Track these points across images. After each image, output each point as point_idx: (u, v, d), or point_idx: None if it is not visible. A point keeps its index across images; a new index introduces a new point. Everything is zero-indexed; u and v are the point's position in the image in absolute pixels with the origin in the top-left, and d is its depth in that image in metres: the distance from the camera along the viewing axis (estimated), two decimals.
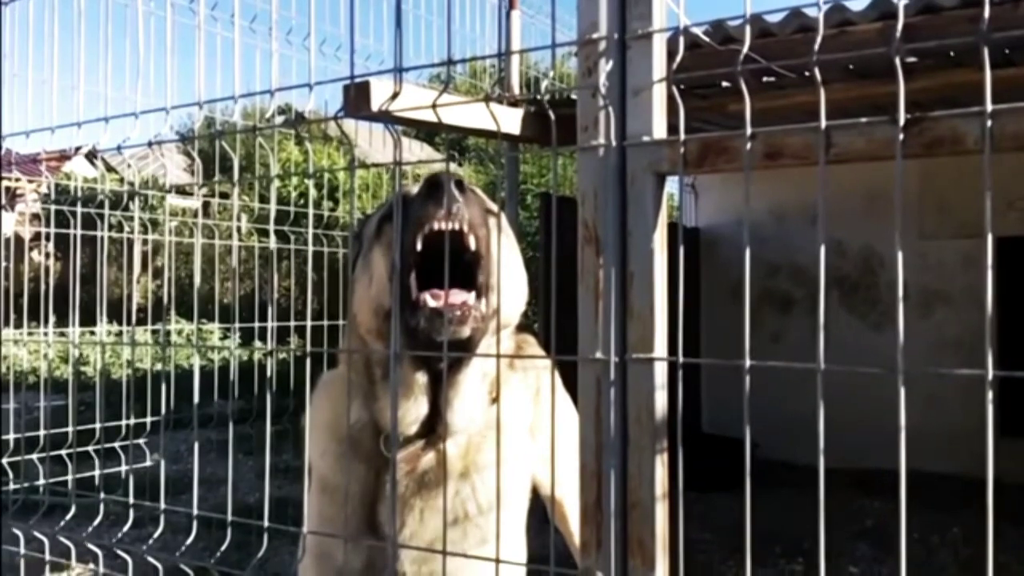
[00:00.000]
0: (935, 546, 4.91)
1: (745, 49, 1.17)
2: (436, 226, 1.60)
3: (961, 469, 5.85)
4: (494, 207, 1.80)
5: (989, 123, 1.01)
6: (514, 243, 1.89)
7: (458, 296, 1.63)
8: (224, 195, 8.93)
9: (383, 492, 1.75)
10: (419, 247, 1.62)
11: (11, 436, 3.53)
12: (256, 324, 4.86)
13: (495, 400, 1.81)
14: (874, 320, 6.96)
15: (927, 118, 1.06)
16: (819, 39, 1.10)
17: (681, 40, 1.24)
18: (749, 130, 1.15)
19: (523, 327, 2.10)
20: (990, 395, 1.01)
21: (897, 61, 1.04)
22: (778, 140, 1.16)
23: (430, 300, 1.61)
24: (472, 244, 1.64)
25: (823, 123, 1.10)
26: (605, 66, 1.29)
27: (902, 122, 1.06)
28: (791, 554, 4.77)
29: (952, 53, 3.58)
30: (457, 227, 1.61)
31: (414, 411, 1.72)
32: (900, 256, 1.04)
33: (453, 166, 1.78)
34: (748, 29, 1.20)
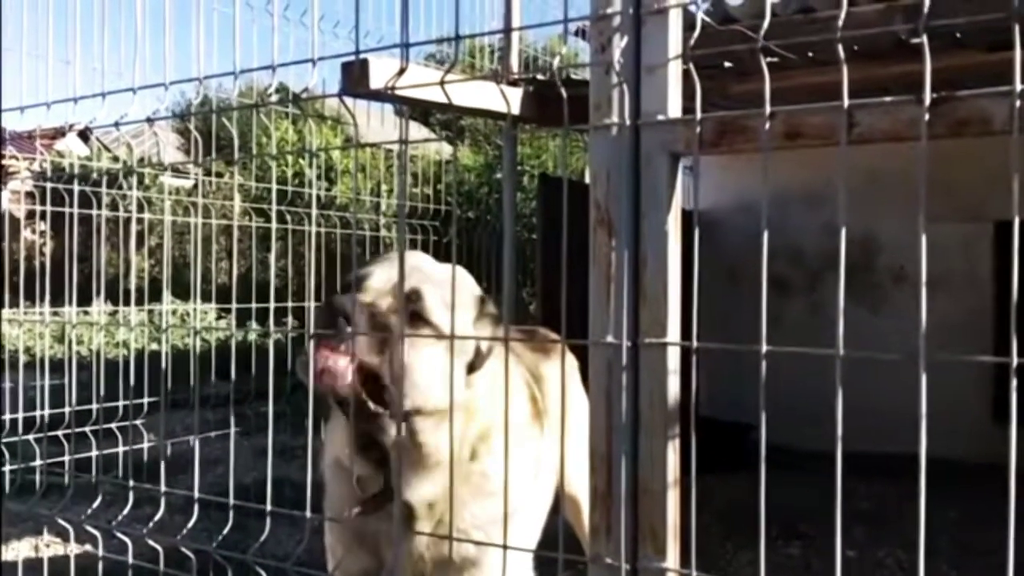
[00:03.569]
0: (933, 530, 4.91)
1: (765, 26, 1.13)
2: (318, 365, 1.67)
3: (958, 453, 5.85)
4: (430, 298, 1.83)
5: (1018, 103, 0.99)
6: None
7: (331, 360, 1.68)
8: (218, 174, 8.86)
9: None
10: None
11: (7, 416, 3.50)
12: (254, 305, 4.83)
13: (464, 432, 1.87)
14: (872, 304, 6.95)
15: (953, 98, 1.03)
16: (843, 15, 1.07)
17: (699, 16, 1.21)
18: (768, 109, 1.12)
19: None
20: (1014, 383, 0.99)
21: (925, 38, 1.01)
22: (798, 120, 1.14)
23: (311, 356, 1.68)
24: (344, 387, 1.69)
25: (845, 102, 1.07)
26: (619, 42, 1.26)
27: (927, 102, 1.04)
28: (787, 537, 4.77)
29: (958, 34, 3.54)
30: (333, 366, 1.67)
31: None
32: (924, 240, 1.02)
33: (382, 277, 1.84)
34: (768, 6, 1.17)
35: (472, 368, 1.88)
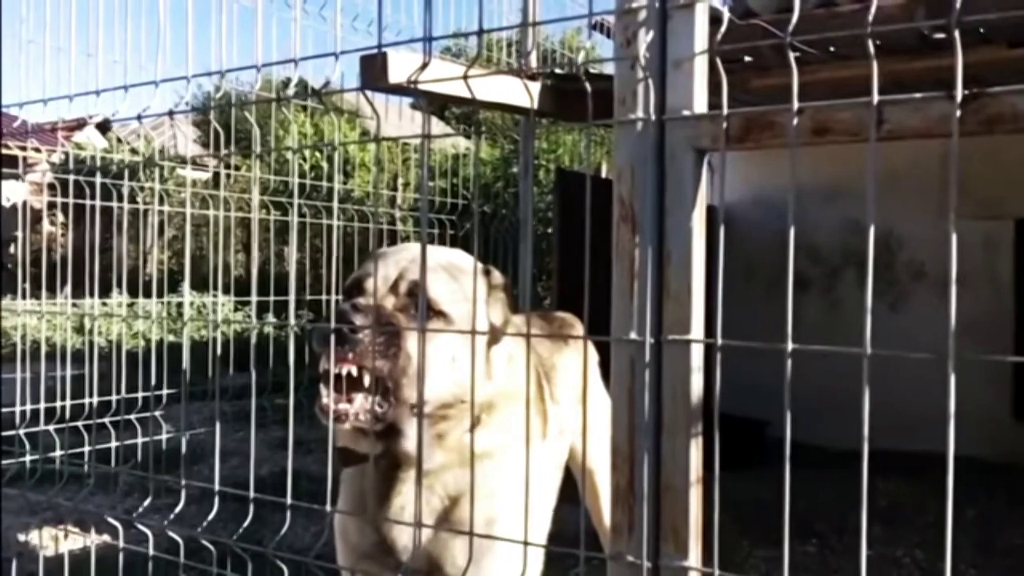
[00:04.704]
0: (952, 528, 4.88)
1: (794, 21, 1.12)
2: (329, 368, 1.72)
3: (976, 452, 5.82)
4: (443, 294, 1.84)
5: None
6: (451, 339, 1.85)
7: (342, 402, 1.75)
8: (236, 167, 8.89)
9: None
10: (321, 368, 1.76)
11: (28, 407, 3.53)
12: (272, 297, 4.85)
13: (472, 428, 1.84)
14: (891, 300, 6.90)
15: (986, 94, 1.02)
16: (873, 8, 1.06)
17: (725, 11, 1.20)
18: (796, 104, 1.11)
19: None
20: None
21: (957, 34, 1.00)
22: (826, 116, 1.12)
23: (323, 397, 1.75)
24: (366, 379, 1.74)
25: (875, 98, 1.06)
26: (645, 36, 1.25)
27: (959, 98, 1.02)
28: (804, 535, 4.75)
29: (982, 30, 3.50)
30: (346, 371, 1.73)
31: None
32: (954, 237, 1.00)
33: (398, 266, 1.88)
34: (796, 1, 1.15)
35: (490, 344, 1.92)
